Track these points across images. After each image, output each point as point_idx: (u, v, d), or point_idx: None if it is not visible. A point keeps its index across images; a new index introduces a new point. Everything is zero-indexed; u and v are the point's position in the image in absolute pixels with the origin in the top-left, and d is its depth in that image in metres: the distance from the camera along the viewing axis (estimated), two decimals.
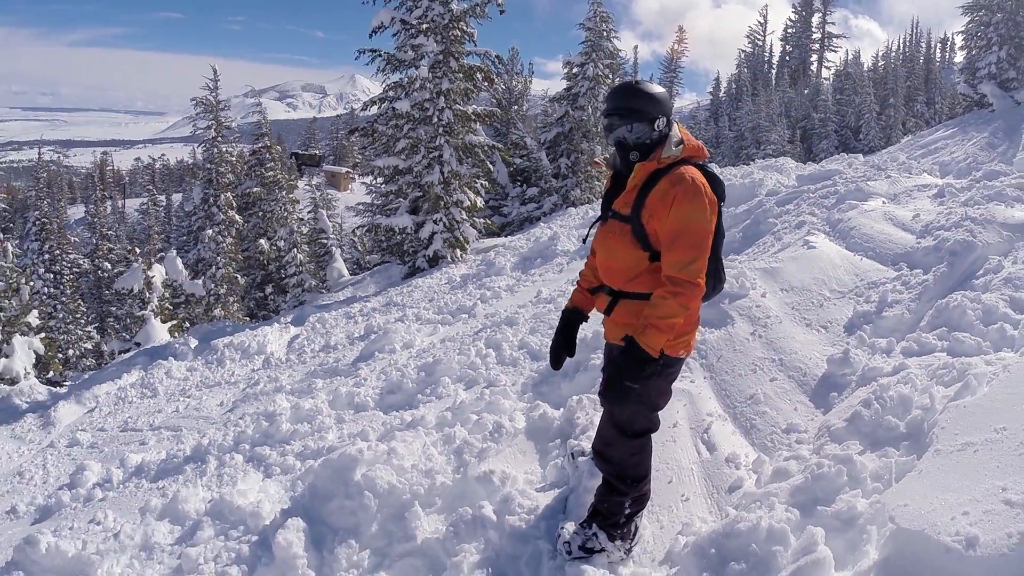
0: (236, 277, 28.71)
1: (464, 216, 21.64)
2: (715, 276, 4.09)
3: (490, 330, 9.64)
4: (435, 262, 20.94)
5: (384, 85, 21.96)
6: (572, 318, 4.45)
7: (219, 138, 28.36)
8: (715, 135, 62.26)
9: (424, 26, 20.76)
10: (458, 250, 21.31)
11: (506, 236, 24.91)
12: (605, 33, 31.24)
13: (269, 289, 30.94)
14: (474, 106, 22.57)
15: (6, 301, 19.25)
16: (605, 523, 4.29)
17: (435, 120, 21.00)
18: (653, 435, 4.33)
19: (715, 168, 4.33)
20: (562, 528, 4.44)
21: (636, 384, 3.79)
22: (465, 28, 21.56)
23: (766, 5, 79.63)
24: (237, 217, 28.92)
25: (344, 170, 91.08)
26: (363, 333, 12.43)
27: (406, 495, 4.80)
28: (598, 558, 4.25)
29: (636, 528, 4.44)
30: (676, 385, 5.76)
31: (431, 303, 13.94)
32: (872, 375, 5.55)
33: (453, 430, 5.92)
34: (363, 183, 69.45)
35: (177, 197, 66.78)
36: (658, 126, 3.90)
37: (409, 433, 5.84)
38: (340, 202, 66.16)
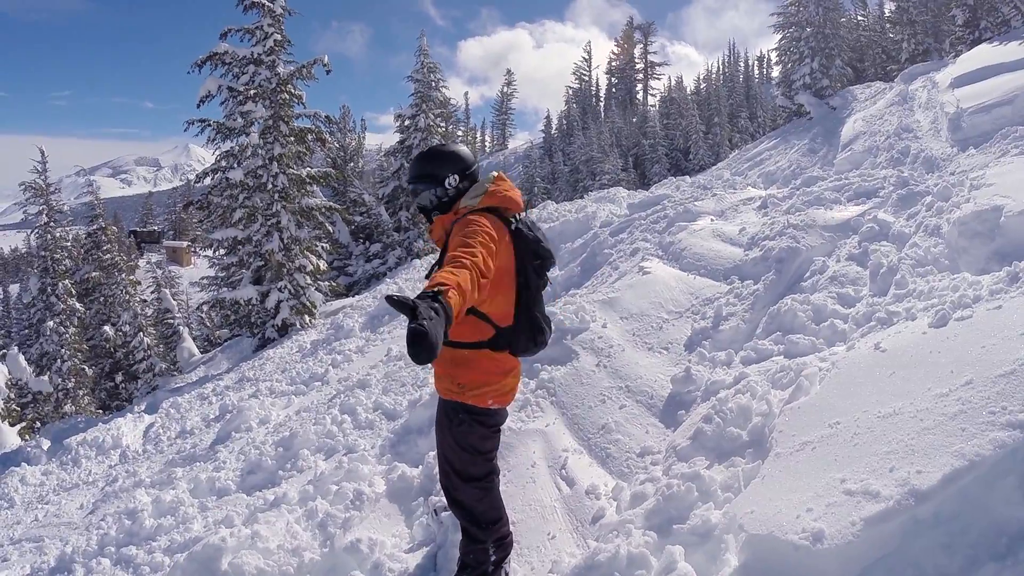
0: (83, 369, 27.53)
1: (308, 281, 21.35)
2: (531, 331, 4.15)
3: (343, 395, 9.53)
4: (284, 330, 20.56)
5: (216, 154, 21.64)
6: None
7: (51, 223, 27.25)
8: (551, 171, 63.80)
9: (252, 92, 20.57)
10: (306, 316, 20.98)
11: (353, 296, 24.71)
12: (434, 83, 31.55)
13: (119, 377, 29.81)
14: (308, 168, 22.39)
15: None
16: (475, 574, 4.33)
17: (270, 187, 20.73)
18: (513, 478, 4.39)
19: (535, 218, 4.35)
20: None
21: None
22: (293, 91, 21.45)
23: (588, 41, 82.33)
24: (78, 305, 27.81)
25: (185, 244, 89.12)
26: (218, 414, 12.09)
27: None
28: None
29: (507, 575, 4.48)
30: (529, 426, 5.89)
31: (283, 374, 13.70)
32: (715, 388, 5.78)
33: (315, 504, 5.84)
34: (205, 256, 68.08)
35: (15, 288, 63.82)
36: (449, 183, 4.13)
37: (272, 513, 5.76)
38: (184, 278, 64.68)
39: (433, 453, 6.03)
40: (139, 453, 12.04)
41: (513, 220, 4.10)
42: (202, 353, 30.92)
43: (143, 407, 16.12)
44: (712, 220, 10.21)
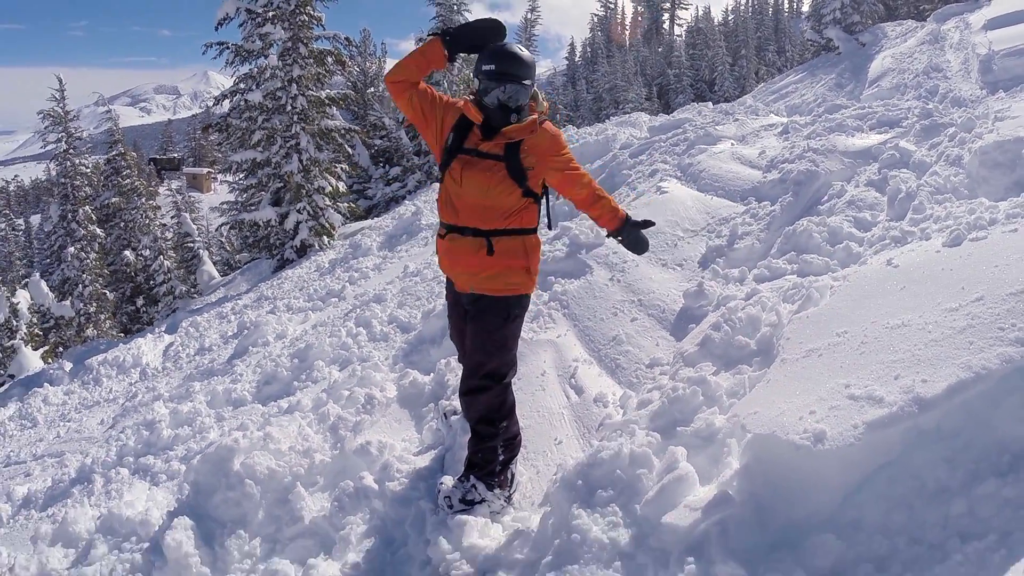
0: (104, 293, 27.82)
1: (328, 202, 21.43)
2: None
3: (359, 309, 9.60)
4: (303, 252, 20.69)
5: (235, 78, 21.56)
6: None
7: (71, 151, 27.40)
8: (573, 99, 63.14)
9: (270, 14, 20.42)
10: (325, 237, 21.12)
11: (373, 218, 24.74)
12: (455, 7, 31.14)
13: (140, 301, 30.07)
14: (328, 91, 22.32)
15: None
16: (482, 473, 4.41)
17: (289, 108, 20.70)
18: (523, 386, 4.50)
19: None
20: (441, 484, 4.53)
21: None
22: (312, 13, 21.30)
23: None
24: (99, 231, 28.06)
25: (205, 171, 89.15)
26: (236, 331, 12.24)
27: (287, 478, 4.83)
28: (479, 508, 4.35)
29: (513, 475, 4.59)
30: (540, 336, 5.99)
31: (301, 292, 13.83)
32: (726, 303, 5.77)
33: (327, 408, 5.94)
34: (225, 182, 68.10)
35: (36, 219, 64.10)
36: (530, 89, 4.28)
37: (284, 418, 5.87)
38: (204, 204, 64.90)
39: (444, 360, 6.15)
40: (158, 370, 12.22)
41: None
42: (222, 276, 31.10)
43: (163, 328, 16.31)
44: (732, 144, 10.13)
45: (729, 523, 3.34)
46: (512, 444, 4.54)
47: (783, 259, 6.48)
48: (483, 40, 4.25)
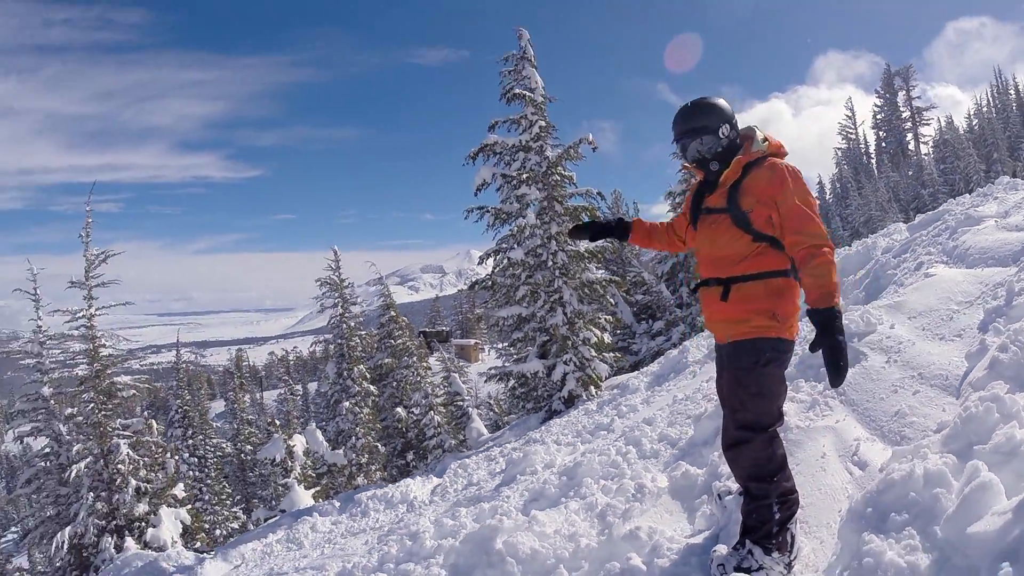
0: (376, 446, 28.78)
1: (593, 353, 21.41)
2: None
3: (629, 431, 9.30)
4: (571, 402, 20.61)
5: (496, 240, 22.32)
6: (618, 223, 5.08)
7: (346, 314, 29.16)
8: (830, 237, 61.55)
9: (524, 176, 21.19)
10: (592, 387, 21.01)
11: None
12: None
13: (410, 456, 30.87)
14: (586, 244, 22.69)
15: (152, 474, 19.66)
16: (758, 536, 4.06)
17: (550, 264, 21.11)
18: (802, 470, 4.48)
19: None
20: (714, 552, 4.21)
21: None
22: (563, 172, 21.91)
23: (849, 97, 79.62)
24: (372, 388, 29.37)
25: (473, 342, 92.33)
26: (504, 467, 12.15)
27: (550, 560, 4.59)
28: None
29: (793, 538, 4.16)
30: (818, 423, 5.64)
31: (570, 429, 13.67)
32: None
33: (595, 497, 5.65)
34: (494, 348, 70.15)
35: (313, 385, 68.22)
36: (723, 133, 4.28)
37: (552, 511, 5.58)
38: (472, 371, 66.84)
39: (717, 453, 5.77)
40: (426, 503, 12.23)
41: None
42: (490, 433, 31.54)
43: (432, 471, 16.50)
44: (996, 221, 9.57)
45: None
46: (787, 501, 4.13)
47: None
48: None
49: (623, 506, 5.34)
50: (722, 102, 4.35)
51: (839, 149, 77.62)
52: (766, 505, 4.08)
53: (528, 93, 21.46)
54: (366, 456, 28.08)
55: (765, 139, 4.31)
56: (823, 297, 3.84)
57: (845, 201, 65.57)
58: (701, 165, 4.36)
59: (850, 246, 13.43)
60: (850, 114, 79.19)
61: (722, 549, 4.21)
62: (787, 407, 5.18)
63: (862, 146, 78.89)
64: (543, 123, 21.69)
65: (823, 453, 5.23)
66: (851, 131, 78.98)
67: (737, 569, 3.99)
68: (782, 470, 4.14)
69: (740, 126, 4.39)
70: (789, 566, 4.09)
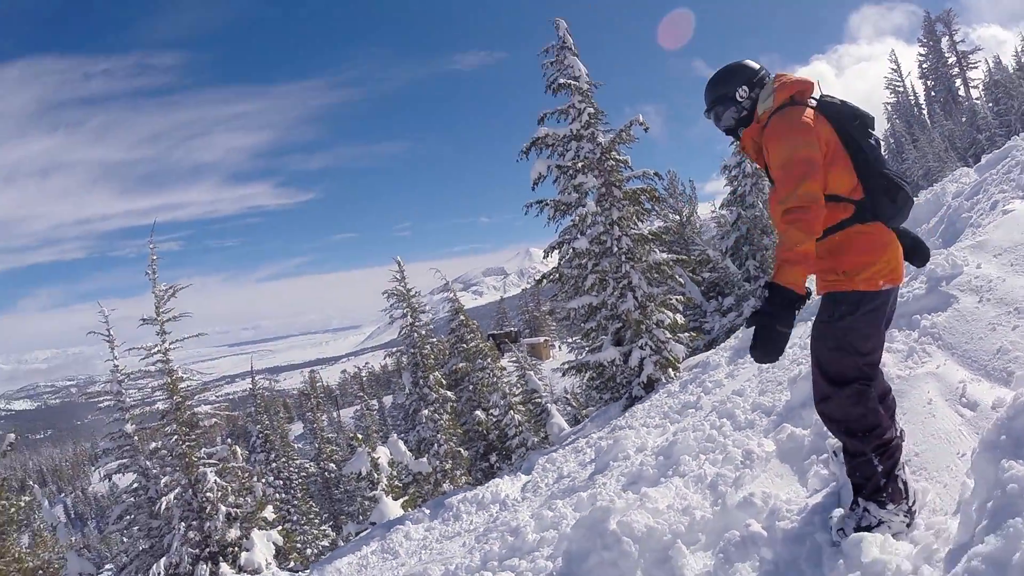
0: (459, 451, 28.75)
1: (668, 335, 21.14)
2: (886, 191, 4.00)
3: (720, 404, 9.09)
4: (650, 387, 20.33)
5: (559, 232, 22.14)
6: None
7: (416, 323, 29.21)
8: None
9: (579, 164, 20.99)
10: (670, 369, 20.74)
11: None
12: None
13: (494, 458, 30.77)
14: (648, 226, 22.44)
15: (241, 499, 19.81)
16: (869, 493, 3.93)
17: (615, 250, 20.89)
18: (910, 419, 4.35)
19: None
20: (831, 518, 4.12)
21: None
22: (617, 157, 21.66)
23: (892, 50, 77.94)
24: (449, 394, 29.37)
25: (542, 339, 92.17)
26: (594, 456, 11.96)
27: (667, 535, 4.48)
28: (878, 532, 3.84)
29: (906, 485, 3.97)
30: (918, 371, 5.46)
31: (656, 411, 13.42)
32: None
33: (703, 469, 5.46)
34: (564, 344, 70.00)
35: (388, 399, 68.63)
36: (740, 95, 4.26)
37: (660, 486, 5.42)
38: (545, 367, 66.72)
39: None
40: (518, 500, 12.10)
41: (813, 99, 4.13)
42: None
43: (519, 469, 16.38)
44: None
45: None
46: (886, 450, 3.93)
47: None
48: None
49: (733, 474, 5.25)
50: (736, 64, 4.35)
51: (888, 104, 75.99)
52: (865, 460, 3.94)
53: (573, 81, 21.27)
54: (450, 462, 28.04)
55: (771, 94, 4.14)
56: (775, 270, 3.78)
57: (901, 156, 64.07)
58: (731, 133, 4.41)
59: (917, 196, 13.12)
60: (895, 67, 77.52)
61: (838, 513, 4.12)
62: (885, 358, 4.94)
63: (911, 98, 77.12)
64: (591, 110, 21.47)
65: (929, 399, 5.07)
66: (898, 84, 77.31)
67: (857, 529, 3.89)
68: (876, 425, 3.95)
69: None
70: (910, 512, 3.96)
